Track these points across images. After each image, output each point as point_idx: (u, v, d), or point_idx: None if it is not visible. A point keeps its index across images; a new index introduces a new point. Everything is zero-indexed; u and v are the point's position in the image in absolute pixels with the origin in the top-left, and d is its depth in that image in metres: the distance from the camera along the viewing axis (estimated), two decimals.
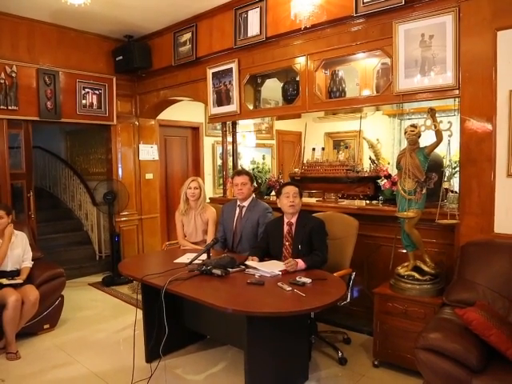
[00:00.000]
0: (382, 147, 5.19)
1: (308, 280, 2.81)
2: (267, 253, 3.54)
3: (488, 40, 2.95)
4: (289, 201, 3.47)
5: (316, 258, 3.24)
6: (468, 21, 3.07)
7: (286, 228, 3.53)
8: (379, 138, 5.75)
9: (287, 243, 3.49)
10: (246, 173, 4.10)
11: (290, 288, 2.68)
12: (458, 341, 2.29)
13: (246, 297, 2.67)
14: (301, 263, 3.12)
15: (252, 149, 8.25)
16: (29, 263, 4.01)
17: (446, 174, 3.18)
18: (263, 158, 8.66)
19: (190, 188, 4.22)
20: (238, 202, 4.05)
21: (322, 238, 3.40)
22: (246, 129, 7.56)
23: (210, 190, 7.45)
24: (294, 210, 3.49)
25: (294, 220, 3.51)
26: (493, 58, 2.93)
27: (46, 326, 4.07)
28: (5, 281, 3.70)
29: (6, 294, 3.57)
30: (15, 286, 3.71)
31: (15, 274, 3.86)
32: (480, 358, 2.22)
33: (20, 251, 3.95)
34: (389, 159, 6.06)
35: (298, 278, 2.82)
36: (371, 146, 4.69)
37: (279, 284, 2.76)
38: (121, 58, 5.80)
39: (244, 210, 4.00)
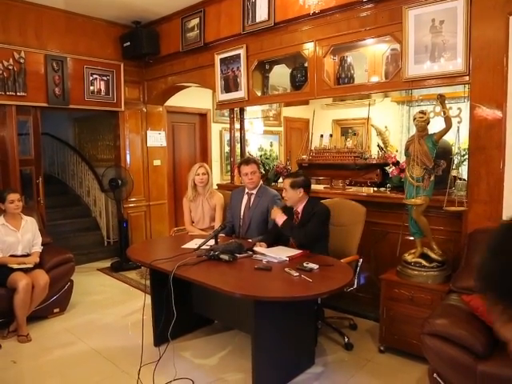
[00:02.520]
0: (390, 134, 5.17)
1: (315, 266, 2.83)
2: (279, 239, 3.56)
3: (500, 25, 2.90)
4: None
5: (295, 231, 3.33)
6: (480, 5, 3.02)
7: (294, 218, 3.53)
8: (387, 125, 5.72)
9: None
10: (254, 161, 4.09)
11: (297, 273, 2.70)
12: (464, 327, 2.31)
13: (254, 282, 2.70)
14: (281, 217, 3.33)
15: (260, 136, 8.23)
16: (38, 248, 4.07)
17: (455, 162, 3.16)
18: (271, 145, 8.65)
19: (198, 174, 4.23)
20: (247, 190, 4.06)
21: (314, 220, 3.32)
22: (254, 115, 7.54)
23: (217, 177, 7.46)
24: (291, 204, 3.52)
25: (300, 209, 3.50)
26: (504, 44, 2.89)
27: (55, 310, 4.13)
28: (15, 265, 3.76)
29: (17, 278, 3.63)
30: (26, 271, 3.77)
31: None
32: (485, 344, 2.23)
33: (30, 236, 4.01)
34: (397, 146, 6.02)
35: (305, 264, 2.84)
36: (379, 134, 4.66)
37: (286, 269, 2.78)
38: (128, 43, 5.79)
39: (253, 197, 4.00)
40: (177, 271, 2.78)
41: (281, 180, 4.77)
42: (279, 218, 3.37)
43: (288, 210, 3.61)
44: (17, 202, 3.92)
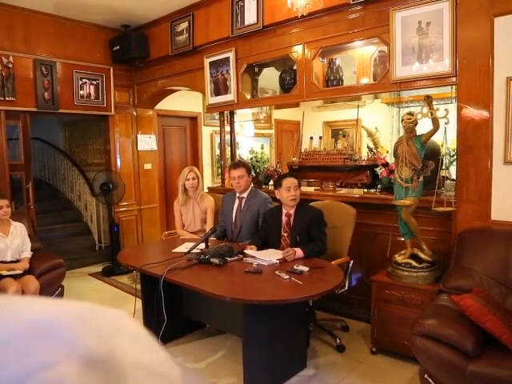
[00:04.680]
0: (380, 136, 5.19)
1: (305, 268, 2.83)
2: (267, 242, 3.55)
3: (485, 26, 2.93)
4: (290, 194, 3.41)
5: (315, 248, 3.24)
6: (465, 7, 3.05)
7: (284, 219, 3.52)
8: (378, 126, 5.75)
9: (285, 234, 3.49)
10: (243, 165, 4.07)
11: (288, 276, 2.70)
12: (454, 327, 2.31)
13: (244, 285, 2.69)
14: (299, 252, 3.14)
15: (250, 138, 8.24)
16: (28, 253, 4.04)
17: (444, 162, 3.17)
18: (262, 148, 8.65)
19: (188, 179, 4.21)
20: (238, 194, 4.05)
21: (320, 228, 3.38)
22: (244, 118, 7.55)
23: (208, 180, 7.46)
24: (296, 203, 3.47)
25: (292, 211, 3.49)
26: (490, 45, 2.92)
27: None
28: (5, 272, 3.72)
29: (7, 284, 3.59)
30: (15, 277, 3.74)
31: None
32: (476, 344, 2.24)
33: (19, 242, 3.97)
34: (387, 148, 6.03)
35: (295, 267, 2.84)
36: (370, 135, 4.68)
37: (277, 272, 2.78)
38: (118, 47, 5.77)
39: (244, 200, 3.99)
40: (167, 275, 2.77)
41: (271, 183, 4.77)
42: (298, 253, 3.15)
43: (274, 213, 3.61)
44: (5, 208, 3.89)
